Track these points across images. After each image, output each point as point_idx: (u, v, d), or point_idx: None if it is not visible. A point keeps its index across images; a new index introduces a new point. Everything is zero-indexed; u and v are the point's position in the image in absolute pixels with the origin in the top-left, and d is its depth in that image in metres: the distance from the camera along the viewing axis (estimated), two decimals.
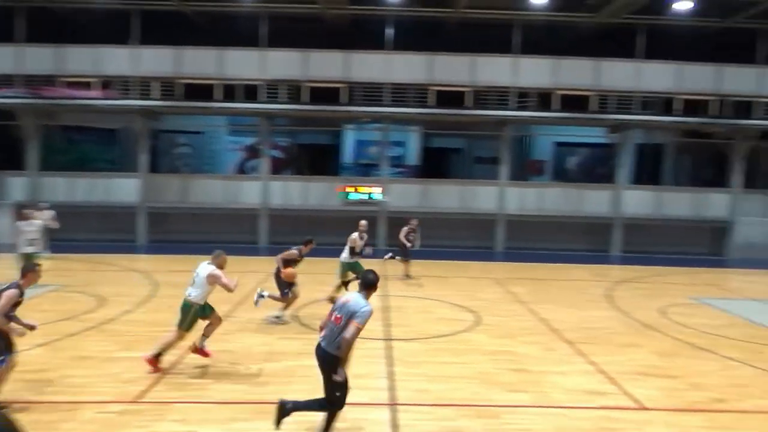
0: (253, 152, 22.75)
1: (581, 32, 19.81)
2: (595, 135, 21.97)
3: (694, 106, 18.74)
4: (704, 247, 20.73)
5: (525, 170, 24.09)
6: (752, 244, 20.03)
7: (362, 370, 7.17)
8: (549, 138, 23.87)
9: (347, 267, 10.89)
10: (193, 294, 6.98)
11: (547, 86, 18.57)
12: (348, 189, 19.25)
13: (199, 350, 7.15)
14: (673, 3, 17.17)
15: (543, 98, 18.66)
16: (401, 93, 18.46)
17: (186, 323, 6.97)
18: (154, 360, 6.90)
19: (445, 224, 19.23)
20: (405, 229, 13.83)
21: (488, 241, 19.90)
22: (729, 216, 20.11)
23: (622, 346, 8.82)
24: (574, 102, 18.63)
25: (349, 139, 23.80)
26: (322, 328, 5.35)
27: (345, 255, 10.94)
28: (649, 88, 18.63)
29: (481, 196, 19.68)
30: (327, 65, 18.41)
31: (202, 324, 7.15)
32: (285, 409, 5.34)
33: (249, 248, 18.08)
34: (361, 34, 19.52)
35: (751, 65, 18.85)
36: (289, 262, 9.32)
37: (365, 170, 22.59)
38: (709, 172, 23.87)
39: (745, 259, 19.27)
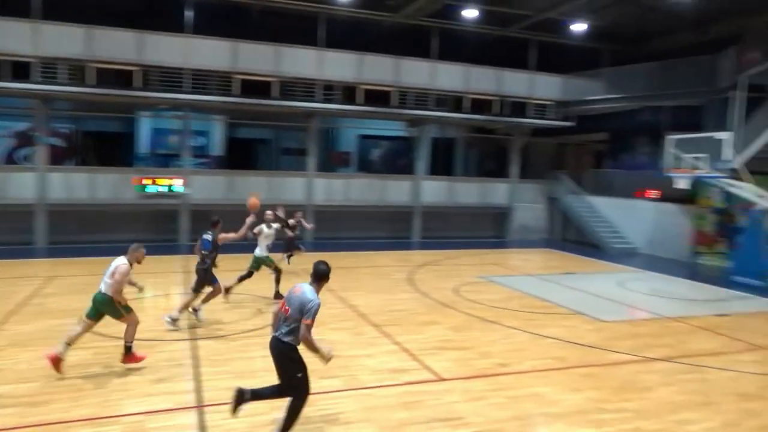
0: (25, 139, 19.84)
1: (383, 30, 20.74)
2: (396, 129, 23.32)
3: (480, 105, 20.83)
4: (489, 230, 23.27)
5: (332, 161, 24.64)
6: (526, 227, 23.07)
7: (165, 374, 6.70)
8: (354, 130, 24.72)
9: (261, 261, 10.61)
10: (104, 288, 6.73)
11: (352, 80, 19.12)
12: (145, 181, 17.71)
13: (131, 358, 6.85)
14: (461, 10, 18.82)
15: (348, 92, 19.19)
16: (203, 80, 17.47)
17: (121, 311, 6.76)
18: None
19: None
20: (292, 221, 13.64)
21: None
22: (508, 203, 22.82)
23: (422, 324, 9.49)
24: (377, 97, 19.49)
25: (145, 127, 22.01)
26: (273, 318, 5.33)
27: (259, 249, 10.66)
28: (443, 87, 20.23)
29: (289, 187, 19.62)
30: (117, 45, 16.52)
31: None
32: (243, 397, 5.17)
33: (22, 250, 15.78)
34: (157, 15, 18.08)
35: (524, 71, 21.50)
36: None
37: (164, 161, 21.09)
38: (492, 164, 26.82)
39: (522, 240, 22.09)
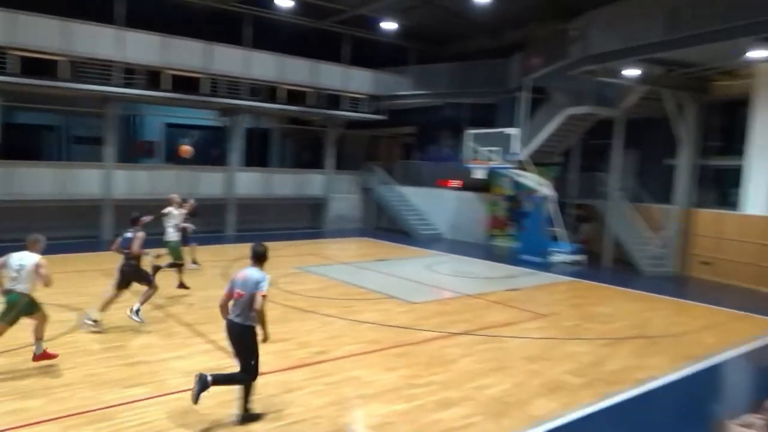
0: None
1: (192, 12, 19.54)
2: (208, 118, 22.19)
3: (295, 96, 20.74)
4: (306, 221, 23.40)
5: (135, 152, 22.66)
6: (342, 217, 23.66)
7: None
8: (160, 118, 22.97)
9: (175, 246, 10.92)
10: (20, 287, 6.50)
11: (156, 64, 17.69)
12: None
13: (42, 356, 6.69)
14: None
15: (152, 77, 17.74)
16: None
17: (11, 316, 6.46)
18: None
19: (41, 214, 16.49)
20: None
21: (94, 230, 18.01)
22: (324, 193, 23.16)
23: None
24: (185, 83, 18.32)
25: None
26: (223, 308, 5.76)
27: (173, 235, 10.90)
28: (257, 76, 19.68)
29: (84, 180, 17.61)
30: None
31: None
32: (204, 383, 5.43)
33: None
34: None
35: (339, 64, 21.88)
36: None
37: None
38: (308, 155, 26.95)
39: (337, 230, 22.59)
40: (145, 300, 8.64)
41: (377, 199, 23.68)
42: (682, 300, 12.44)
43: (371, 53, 22.92)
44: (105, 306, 8.38)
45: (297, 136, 26.80)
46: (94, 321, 8.22)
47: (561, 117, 17.35)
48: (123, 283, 8.47)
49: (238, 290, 5.62)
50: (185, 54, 18.19)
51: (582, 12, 14.62)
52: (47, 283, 6.64)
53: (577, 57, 14.58)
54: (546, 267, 15.64)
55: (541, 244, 16.24)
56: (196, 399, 5.42)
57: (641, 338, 9.08)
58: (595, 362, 7.77)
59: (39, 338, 6.70)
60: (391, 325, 9.22)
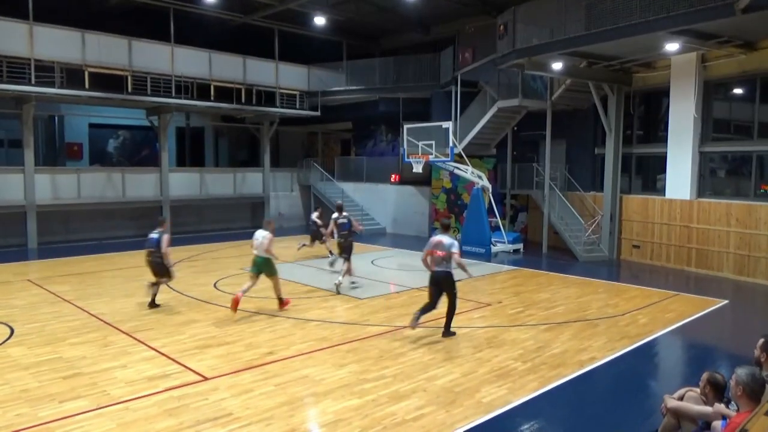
0: None
1: (112, 7, 18.67)
2: (135, 117, 21.29)
3: (227, 93, 20.20)
4: (246, 221, 22.91)
5: (58, 154, 21.49)
6: (283, 215, 23.34)
7: None
8: (85, 119, 21.86)
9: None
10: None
11: (75, 61, 16.78)
12: None
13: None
14: None
15: (71, 75, 16.80)
16: None
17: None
18: None
19: None
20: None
21: (17, 238, 16.97)
22: (263, 192, 22.75)
23: (181, 324, 8.91)
24: (109, 81, 17.47)
25: None
26: (425, 262, 8.28)
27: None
28: (185, 73, 19.02)
29: (2, 186, 16.55)
30: None
31: None
32: (416, 318, 8.14)
33: None
34: None
35: (270, 60, 21.48)
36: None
37: None
38: (244, 153, 26.42)
39: (279, 228, 22.20)
40: (156, 289, 10.07)
41: (317, 195, 23.49)
42: (616, 283, 13.05)
43: (304, 49, 22.66)
44: (153, 295, 9.98)
45: (232, 134, 26.19)
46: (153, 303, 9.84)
47: (493, 110, 17.78)
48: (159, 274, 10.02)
49: (438, 251, 8.11)
50: (106, 50, 17.32)
51: (509, 7, 15.00)
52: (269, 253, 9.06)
53: (505, 51, 14.98)
54: (487, 257, 16.01)
55: (481, 235, 16.60)
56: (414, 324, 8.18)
57: (581, 321, 9.44)
58: (538, 347, 8.02)
59: None
60: (339, 322, 9.18)
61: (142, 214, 19.81)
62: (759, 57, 13.17)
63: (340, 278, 11.37)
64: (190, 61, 19.19)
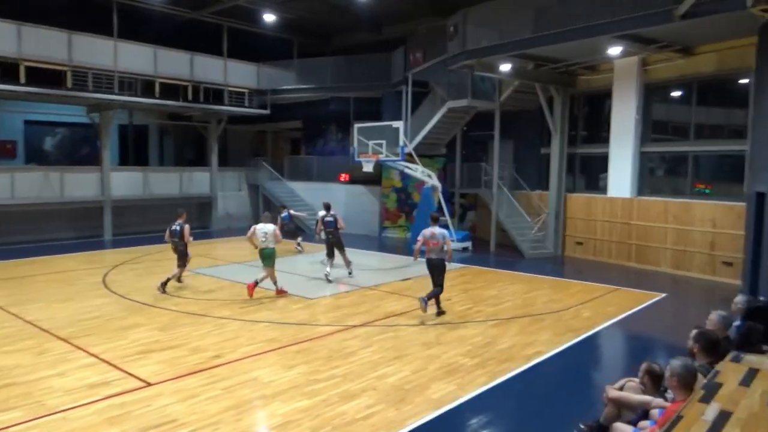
0: None
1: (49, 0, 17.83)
2: (75, 114, 20.45)
3: (173, 90, 19.64)
4: (193, 221, 22.26)
5: None
6: (231, 215, 22.90)
7: None
8: (19, 116, 20.80)
9: None
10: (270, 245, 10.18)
11: (11, 55, 15.93)
12: None
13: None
14: None
15: (6, 69, 15.93)
16: None
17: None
18: None
19: None
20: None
21: None
22: (211, 191, 22.26)
23: (123, 329, 8.60)
24: (46, 76, 16.68)
25: None
26: (419, 251, 9.55)
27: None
28: (129, 69, 18.37)
29: None
30: None
31: None
32: (424, 300, 9.24)
33: None
34: None
35: (219, 57, 21.00)
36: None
37: None
38: (191, 152, 25.77)
39: (227, 229, 21.83)
40: (174, 276, 11.31)
41: (267, 195, 23.16)
42: (560, 279, 13.40)
43: (254, 46, 22.30)
44: (180, 279, 11.60)
45: (177, 132, 25.49)
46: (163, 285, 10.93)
47: (443, 110, 17.96)
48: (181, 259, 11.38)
49: (432, 241, 9.29)
50: (45, 44, 16.50)
51: (460, 9, 15.19)
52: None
53: (455, 52, 15.16)
54: None
55: None
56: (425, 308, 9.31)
57: (527, 317, 9.65)
58: (486, 343, 8.15)
59: None
60: (288, 323, 9.06)
61: (82, 215, 19.07)
62: (695, 62, 13.79)
63: (328, 269, 12.49)
64: (134, 57, 18.54)
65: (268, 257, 10.55)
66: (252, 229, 10.65)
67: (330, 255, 12.54)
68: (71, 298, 10.52)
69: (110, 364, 7.06)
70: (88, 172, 19.08)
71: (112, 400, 5.99)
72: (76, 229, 19.08)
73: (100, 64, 17.68)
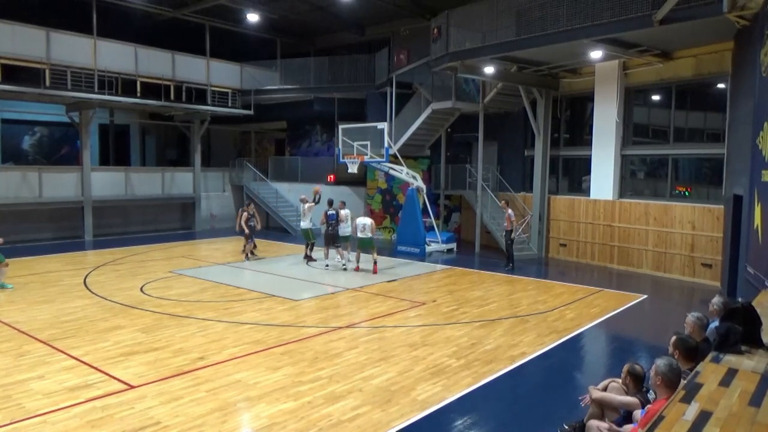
0: None
1: None
2: (54, 113, 20.13)
3: (155, 89, 19.42)
4: (176, 222, 22.16)
5: None
6: (215, 216, 22.71)
7: None
8: None
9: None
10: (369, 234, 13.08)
11: None
12: None
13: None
14: None
15: None
16: None
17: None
18: None
19: None
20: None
21: None
22: (194, 192, 22.06)
23: (105, 331, 8.48)
24: (24, 74, 16.39)
25: None
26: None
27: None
28: (109, 67, 18.13)
29: None
30: None
31: None
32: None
33: None
34: None
35: (201, 56, 20.84)
36: None
37: None
38: (173, 152, 25.51)
39: (211, 230, 21.66)
40: (248, 250, 14.99)
41: (251, 196, 23.02)
42: (544, 280, 13.51)
43: (237, 46, 22.16)
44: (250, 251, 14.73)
45: (159, 132, 25.24)
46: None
47: (427, 111, 18.02)
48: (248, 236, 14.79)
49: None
50: (20, 42, 16.21)
51: (443, 10, 15.26)
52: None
53: (439, 54, 15.22)
54: (422, 257, 16.20)
55: (416, 235, 16.77)
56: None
57: (512, 318, 9.71)
58: (472, 344, 8.18)
59: None
60: (273, 324, 9.01)
61: (61, 216, 18.79)
62: (675, 66, 14.01)
63: (327, 261, 14.18)
64: (114, 55, 18.30)
65: (368, 244, 13.31)
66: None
67: (328, 244, 14.22)
68: (52, 300, 10.36)
69: (92, 367, 6.96)
70: (67, 172, 18.80)
71: (94, 402, 5.91)
72: (56, 230, 18.79)
73: (79, 62, 17.43)
